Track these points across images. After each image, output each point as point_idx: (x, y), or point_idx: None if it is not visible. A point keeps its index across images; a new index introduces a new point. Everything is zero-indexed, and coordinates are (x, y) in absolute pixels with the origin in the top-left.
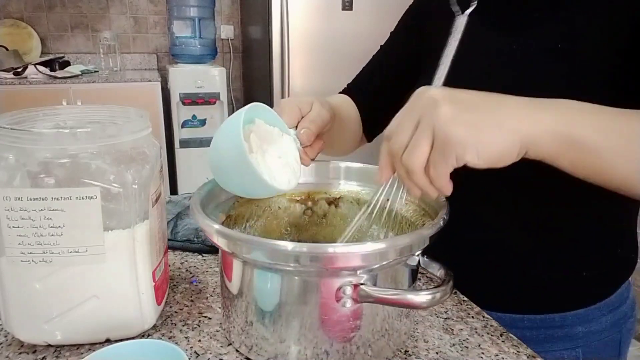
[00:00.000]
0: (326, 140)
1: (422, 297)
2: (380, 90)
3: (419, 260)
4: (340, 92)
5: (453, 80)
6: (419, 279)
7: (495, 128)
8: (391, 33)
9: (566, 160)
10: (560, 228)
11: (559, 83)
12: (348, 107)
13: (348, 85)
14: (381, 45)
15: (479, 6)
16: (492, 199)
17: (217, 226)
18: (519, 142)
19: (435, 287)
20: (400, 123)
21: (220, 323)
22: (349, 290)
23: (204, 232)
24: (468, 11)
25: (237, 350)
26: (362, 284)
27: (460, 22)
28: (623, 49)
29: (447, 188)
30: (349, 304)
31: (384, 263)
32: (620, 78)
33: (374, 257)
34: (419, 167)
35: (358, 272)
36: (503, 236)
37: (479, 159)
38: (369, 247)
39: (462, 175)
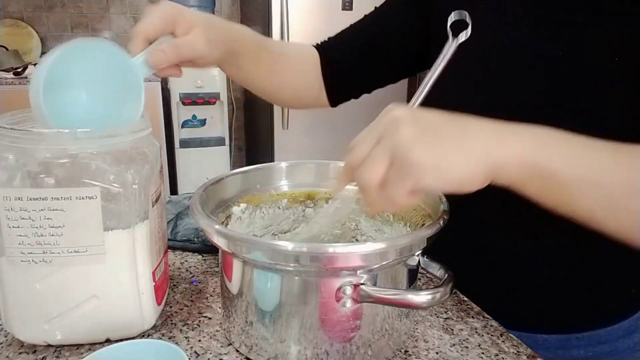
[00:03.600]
0: (232, 72)
1: (422, 297)
2: (352, 55)
3: (419, 260)
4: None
5: (481, 82)
6: (419, 279)
7: (458, 152)
8: (382, 4)
9: (532, 188)
10: (562, 229)
11: (575, 95)
12: (296, 53)
13: (322, 41)
14: (366, 15)
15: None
16: (493, 199)
17: (217, 226)
18: (484, 167)
19: (435, 287)
20: (363, 137)
21: (220, 323)
22: (349, 290)
23: (204, 232)
24: (460, 40)
25: (237, 350)
26: (362, 284)
27: (451, 47)
28: None
29: (402, 207)
30: (349, 304)
31: (384, 263)
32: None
33: (374, 257)
34: (372, 184)
35: (358, 272)
36: (504, 237)
37: (437, 184)
38: (369, 247)
39: None
